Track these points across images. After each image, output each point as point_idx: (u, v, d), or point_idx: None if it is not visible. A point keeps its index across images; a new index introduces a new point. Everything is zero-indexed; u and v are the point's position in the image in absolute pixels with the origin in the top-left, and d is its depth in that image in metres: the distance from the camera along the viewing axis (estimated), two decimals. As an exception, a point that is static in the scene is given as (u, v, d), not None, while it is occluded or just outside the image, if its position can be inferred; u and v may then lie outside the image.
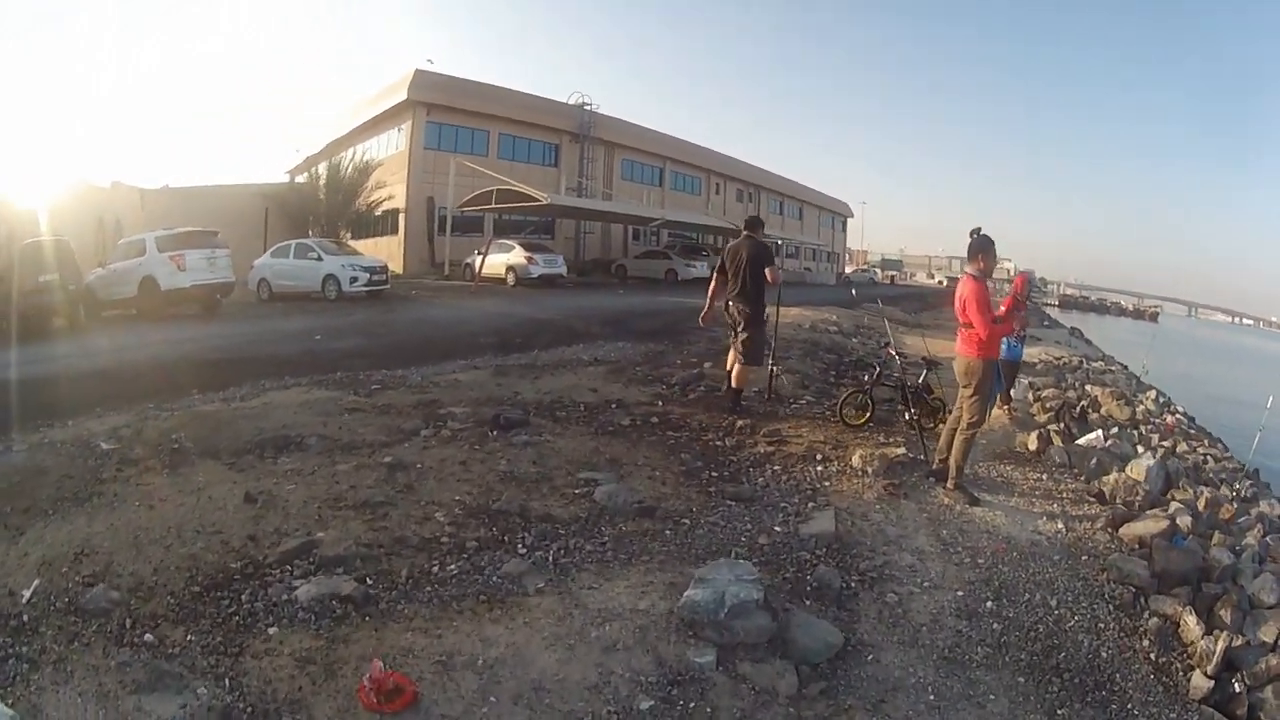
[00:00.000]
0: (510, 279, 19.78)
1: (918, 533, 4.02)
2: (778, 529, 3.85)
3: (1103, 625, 3.34)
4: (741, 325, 5.80)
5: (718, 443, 5.31)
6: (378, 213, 25.18)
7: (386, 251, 24.56)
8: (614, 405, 6.19)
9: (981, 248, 4.42)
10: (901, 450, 5.06)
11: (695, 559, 3.44)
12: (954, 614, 3.27)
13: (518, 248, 20.28)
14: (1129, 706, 2.83)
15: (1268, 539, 4.33)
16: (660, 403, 6.39)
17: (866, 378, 6.08)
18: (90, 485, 3.80)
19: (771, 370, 6.55)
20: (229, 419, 4.95)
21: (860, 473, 4.75)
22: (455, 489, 4.02)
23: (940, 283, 60.22)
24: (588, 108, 29.16)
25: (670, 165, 34.44)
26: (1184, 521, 4.30)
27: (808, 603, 3.18)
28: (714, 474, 4.65)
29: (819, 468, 4.84)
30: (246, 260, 15.79)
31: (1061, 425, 6.11)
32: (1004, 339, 7.26)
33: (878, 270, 57.62)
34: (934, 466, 4.81)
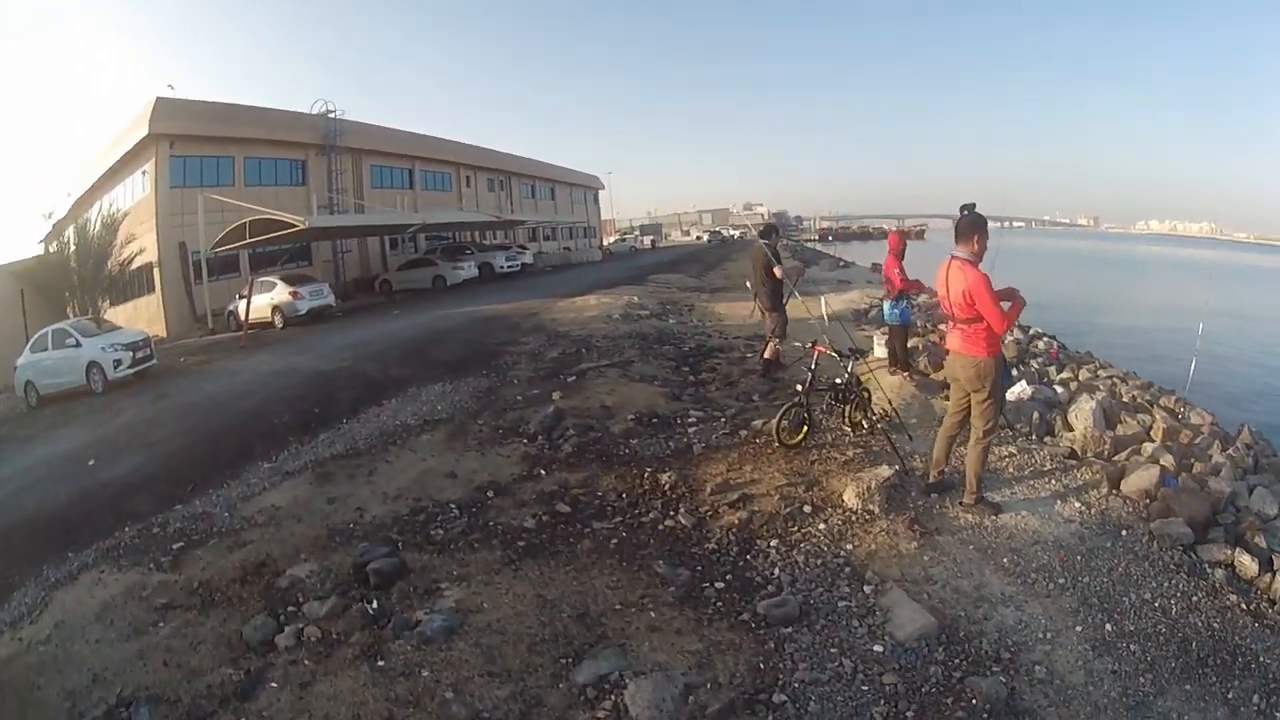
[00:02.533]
0: (278, 320, 17.19)
1: (984, 573, 3.65)
2: (878, 648, 3.16)
3: (1194, 598, 3.40)
4: (768, 313, 7.42)
5: (669, 525, 4.35)
6: (132, 268, 20.72)
7: (146, 314, 20.64)
8: (492, 494, 5.03)
9: (975, 226, 3.82)
10: (886, 470, 4.64)
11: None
12: (1094, 654, 3.09)
13: (280, 284, 17.57)
14: (1261, 659, 2.99)
15: (1229, 452, 4.58)
16: (542, 471, 5.38)
17: (800, 386, 5.47)
18: None
19: (771, 344, 7.57)
20: (25, 679, 3.61)
21: (865, 514, 4.31)
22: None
23: (699, 238, 63.30)
24: (333, 115, 25.54)
25: (419, 164, 32.07)
26: (1166, 461, 4.43)
27: (997, 733, 2.62)
28: (719, 586, 3.68)
29: (820, 525, 4.25)
30: (11, 359, 13.48)
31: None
32: (896, 302, 7.27)
33: (640, 235, 58.38)
34: (931, 480, 4.42)
